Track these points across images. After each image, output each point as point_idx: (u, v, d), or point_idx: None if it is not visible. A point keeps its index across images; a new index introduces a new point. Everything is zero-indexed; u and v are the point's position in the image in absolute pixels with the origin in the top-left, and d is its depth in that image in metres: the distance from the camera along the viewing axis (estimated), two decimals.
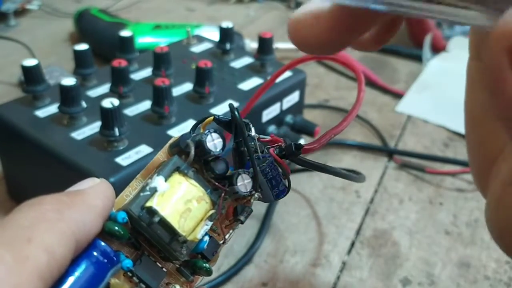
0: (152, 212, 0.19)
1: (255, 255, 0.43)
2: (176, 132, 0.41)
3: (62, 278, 0.16)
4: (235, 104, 0.45)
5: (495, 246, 0.46)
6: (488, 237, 0.47)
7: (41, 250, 0.16)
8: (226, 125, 0.22)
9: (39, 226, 0.16)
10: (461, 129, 0.62)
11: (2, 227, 0.16)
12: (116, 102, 0.38)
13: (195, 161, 0.21)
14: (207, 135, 0.20)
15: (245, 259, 0.42)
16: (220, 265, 0.42)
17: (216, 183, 0.21)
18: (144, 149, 0.39)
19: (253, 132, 0.22)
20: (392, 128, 0.62)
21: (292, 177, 0.24)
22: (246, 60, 0.54)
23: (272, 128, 0.50)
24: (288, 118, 0.52)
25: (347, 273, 0.42)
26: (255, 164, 0.21)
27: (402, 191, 0.52)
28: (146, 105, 0.44)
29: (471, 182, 0.54)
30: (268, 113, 0.48)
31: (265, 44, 0.51)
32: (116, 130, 0.38)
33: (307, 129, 0.52)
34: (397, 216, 0.49)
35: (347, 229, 0.47)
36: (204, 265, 0.21)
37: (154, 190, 0.19)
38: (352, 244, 0.45)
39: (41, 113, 0.42)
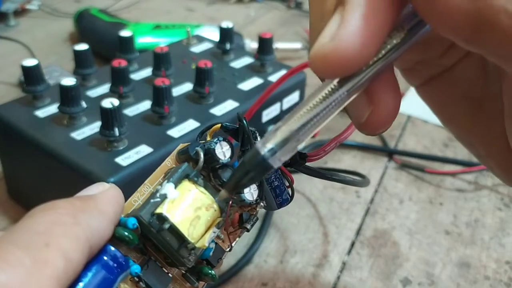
0: (162, 218, 0.19)
1: (255, 255, 0.43)
2: (176, 132, 0.41)
3: (73, 283, 0.17)
4: (235, 104, 0.45)
5: (495, 246, 0.47)
6: (488, 237, 0.47)
7: (58, 255, 0.16)
8: (233, 133, 0.22)
9: (55, 230, 0.16)
10: None
11: (18, 231, 0.16)
12: (116, 102, 0.38)
13: (202, 168, 0.21)
14: (217, 143, 0.21)
15: (245, 259, 0.42)
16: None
17: None
18: (144, 149, 0.39)
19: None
20: (392, 128, 0.62)
21: (293, 177, 0.24)
22: (246, 60, 0.54)
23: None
24: None
25: (347, 273, 0.42)
26: None
27: (402, 191, 0.52)
28: (146, 105, 0.44)
29: (471, 182, 0.54)
30: (268, 113, 0.48)
31: (265, 44, 0.51)
32: (116, 130, 0.38)
33: None
34: (397, 216, 0.49)
35: (347, 229, 0.47)
36: (210, 271, 0.21)
37: (164, 197, 0.20)
38: (352, 244, 0.45)
39: (41, 113, 0.42)
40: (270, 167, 0.17)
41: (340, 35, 0.16)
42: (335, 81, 0.17)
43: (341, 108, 0.18)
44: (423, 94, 0.27)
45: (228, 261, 0.42)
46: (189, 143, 0.21)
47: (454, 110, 0.26)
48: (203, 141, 0.21)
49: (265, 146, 0.17)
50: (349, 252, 0.45)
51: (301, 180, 0.52)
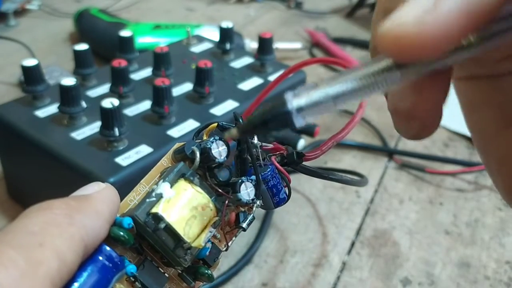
0: (158, 218, 0.19)
1: (255, 255, 0.43)
2: (176, 132, 0.41)
3: (68, 283, 0.16)
4: (235, 104, 0.45)
5: (495, 246, 0.46)
6: (488, 237, 0.47)
7: (52, 255, 0.15)
8: None
9: (50, 230, 0.16)
10: (461, 129, 0.63)
11: (12, 231, 0.16)
12: (116, 102, 0.38)
13: (198, 167, 0.21)
14: (213, 142, 0.20)
15: (245, 259, 0.42)
16: (220, 265, 0.42)
17: (220, 190, 0.21)
18: (144, 149, 0.39)
19: (255, 140, 0.22)
20: (392, 128, 0.62)
21: (292, 177, 0.24)
22: (246, 60, 0.54)
23: None
24: None
25: (347, 273, 0.42)
26: (258, 172, 0.21)
27: (402, 191, 0.52)
28: (146, 105, 0.44)
29: (471, 182, 0.54)
30: None
31: (265, 44, 0.51)
32: (116, 130, 0.38)
33: (307, 129, 0.52)
34: (397, 216, 0.49)
35: (347, 229, 0.47)
36: (206, 271, 0.21)
37: (160, 196, 0.19)
38: (352, 244, 0.45)
39: (41, 113, 0.42)
40: (290, 123, 0.16)
41: (432, 19, 0.14)
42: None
43: (387, 88, 0.16)
44: (461, 88, 0.26)
45: (228, 261, 0.42)
46: (185, 142, 0.21)
47: (483, 116, 0.25)
48: (199, 140, 0.21)
49: (294, 100, 0.16)
50: (349, 252, 0.45)
51: (301, 180, 0.52)
